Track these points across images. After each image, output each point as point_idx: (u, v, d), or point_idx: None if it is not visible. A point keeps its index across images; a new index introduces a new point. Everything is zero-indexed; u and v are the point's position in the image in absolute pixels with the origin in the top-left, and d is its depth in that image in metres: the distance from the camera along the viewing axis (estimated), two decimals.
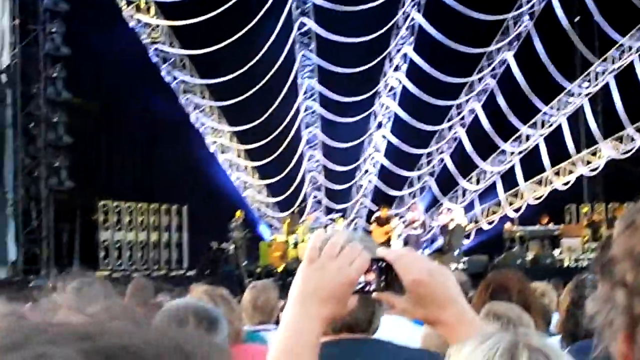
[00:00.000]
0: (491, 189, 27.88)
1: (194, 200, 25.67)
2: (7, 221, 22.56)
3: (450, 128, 28.10)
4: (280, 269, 22.80)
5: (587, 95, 27.12)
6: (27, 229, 22.64)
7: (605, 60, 26.87)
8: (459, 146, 27.94)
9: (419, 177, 28.50)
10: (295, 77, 26.99)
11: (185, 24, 24.88)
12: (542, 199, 27.08)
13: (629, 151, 26.58)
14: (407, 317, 2.08)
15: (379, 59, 26.84)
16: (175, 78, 26.53)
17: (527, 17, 27.01)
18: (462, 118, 27.95)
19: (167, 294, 8.32)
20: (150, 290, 7.62)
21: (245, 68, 24.74)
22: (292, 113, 26.77)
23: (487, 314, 4.04)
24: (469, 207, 27.57)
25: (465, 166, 27.72)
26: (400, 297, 2.00)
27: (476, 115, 27.51)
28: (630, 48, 26.50)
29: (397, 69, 27.49)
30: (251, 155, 27.48)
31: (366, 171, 28.34)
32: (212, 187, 25.92)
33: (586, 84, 27.15)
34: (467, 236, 25.91)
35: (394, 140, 27.47)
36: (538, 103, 26.76)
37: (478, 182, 28.10)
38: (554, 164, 27.22)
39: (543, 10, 26.59)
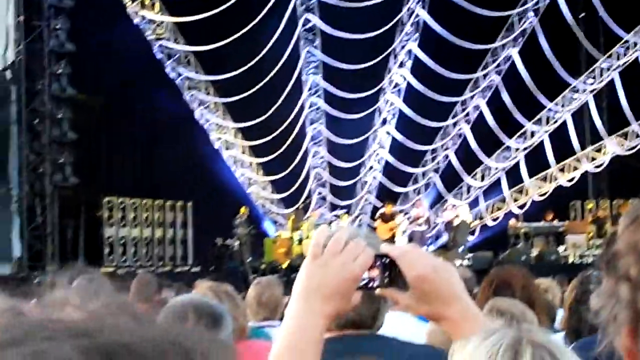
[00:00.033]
0: (496, 185, 27.88)
1: (199, 196, 25.66)
2: (11, 217, 22.57)
3: (454, 124, 28.09)
4: (284, 265, 22.81)
5: (592, 91, 27.10)
6: (32, 225, 22.64)
7: (610, 56, 26.85)
8: (463, 142, 27.94)
9: (424, 174, 28.49)
10: (300, 74, 26.98)
11: (190, 20, 24.87)
12: (546, 195, 27.07)
13: (633, 147, 26.56)
14: (411, 313, 2.08)
15: (383, 55, 26.82)
16: (179, 74, 26.52)
17: (531, 13, 27.01)
18: (467, 114, 27.94)
19: (172, 290, 8.34)
20: (154, 286, 7.62)
21: (250, 64, 24.73)
22: (296, 109, 26.76)
23: (491, 310, 4.03)
24: (474, 204, 27.57)
25: (470, 162, 27.71)
26: (404, 293, 2.00)
27: (481, 112, 27.50)
28: (635, 44, 26.47)
29: (401, 65, 27.48)
30: (256, 151, 27.47)
31: (371, 167, 28.34)
32: (216, 183, 25.93)
33: (591, 80, 27.13)
34: (472, 233, 25.91)
35: (399, 137, 27.46)
36: (543, 99, 26.75)
37: (483, 178, 28.09)
38: (558, 160, 27.22)
39: (548, 7, 26.57)
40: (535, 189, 27.38)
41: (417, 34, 27.12)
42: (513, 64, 26.97)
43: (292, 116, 26.48)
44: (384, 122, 28.00)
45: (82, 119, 23.55)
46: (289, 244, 24.49)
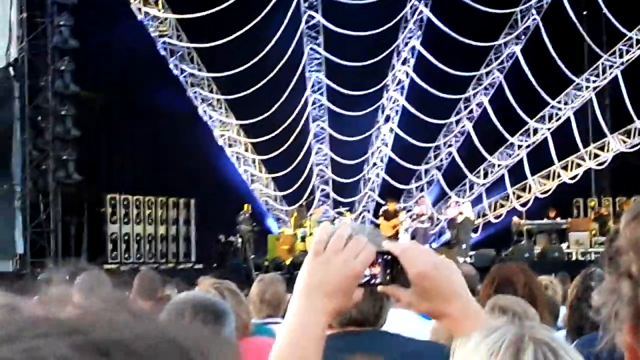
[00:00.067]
0: (499, 182, 27.88)
1: (202, 193, 25.66)
2: (14, 214, 22.58)
3: (457, 122, 28.09)
4: (287, 262, 22.80)
5: (594, 89, 27.09)
6: (35, 222, 22.66)
7: (613, 53, 26.84)
8: (466, 140, 27.94)
9: (427, 171, 28.49)
10: (303, 71, 26.97)
11: (193, 17, 24.88)
12: (549, 192, 27.07)
13: (636, 145, 26.55)
14: (413, 310, 2.08)
15: (386, 52, 26.81)
16: (183, 71, 26.53)
17: (534, 10, 26.99)
18: (470, 112, 27.94)
19: (175, 287, 8.34)
20: (157, 282, 7.61)
21: (253, 61, 24.73)
22: (299, 107, 26.76)
23: (493, 307, 4.03)
24: (477, 201, 27.57)
25: (473, 160, 27.70)
26: (405, 291, 1.99)
27: (484, 109, 27.50)
28: (638, 42, 26.46)
29: (404, 62, 27.47)
30: (258, 148, 27.48)
31: (374, 165, 28.34)
32: (219, 180, 25.92)
33: (594, 77, 27.12)
34: (475, 230, 25.89)
35: (402, 134, 27.44)
36: (546, 97, 26.72)
37: (486, 175, 28.09)
38: (561, 157, 27.21)
39: (551, 4, 26.55)
40: (538, 187, 27.37)
41: (420, 32, 27.12)
42: (516, 61, 26.96)
43: (295, 113, 26.48)
44: (387, 119, 28.00)
45: (86, 115, 23.56)
46: (292, 241, 24.50)
